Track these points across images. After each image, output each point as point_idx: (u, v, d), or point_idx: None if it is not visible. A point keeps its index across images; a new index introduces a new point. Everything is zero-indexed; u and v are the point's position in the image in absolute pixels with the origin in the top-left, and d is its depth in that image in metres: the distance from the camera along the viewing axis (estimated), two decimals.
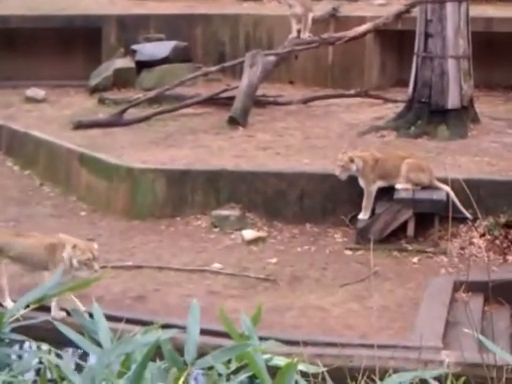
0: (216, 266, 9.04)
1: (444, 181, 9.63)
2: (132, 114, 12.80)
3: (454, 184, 9.58)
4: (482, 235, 9.47)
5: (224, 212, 10.08)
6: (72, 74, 14.96)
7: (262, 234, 9.84)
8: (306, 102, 13.54)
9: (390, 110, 12.49)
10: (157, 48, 14.98)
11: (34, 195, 11.21)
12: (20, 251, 8.01)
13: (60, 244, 7.84)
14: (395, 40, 14.63)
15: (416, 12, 12.62)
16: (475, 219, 9.52)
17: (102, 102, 13.72)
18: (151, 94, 13.34)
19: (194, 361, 2.62)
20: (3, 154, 12.71)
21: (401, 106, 12.19)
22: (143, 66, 14.76)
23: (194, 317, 2.72)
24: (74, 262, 7.63)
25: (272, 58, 13.23)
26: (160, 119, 12.75)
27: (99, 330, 2.67)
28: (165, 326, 2.92)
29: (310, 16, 13.66)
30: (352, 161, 9.54)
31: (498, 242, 9.40)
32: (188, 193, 10.33)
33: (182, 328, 2.77)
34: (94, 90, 14.36)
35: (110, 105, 13.46)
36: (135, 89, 14.41)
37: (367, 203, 9.68)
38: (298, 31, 13.60)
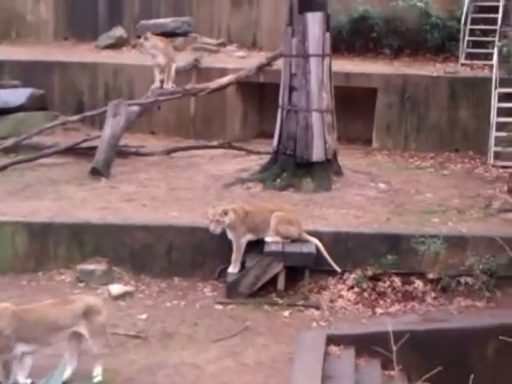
0: None
1: (312, 234, 9.68)
2: None
3: (323, 237, 9.70)
4: (351, 288, 9.54)
5: (89, 266, 9.73)
6: None
7: (129, 288, 9.54)
8: (168, 152, 13.40)
9: (254, 162, 12.49)
10: (12, 95, 14.50)
11: None
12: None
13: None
14: (257, 92, 14.77)
15: (278, 65, 12.79)
16: (343, 272, 9.60)
17: None
18: (8, 142, 12.86)
19: None
20: None
21: (264, 158, 12.22)
22: None
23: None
24: None
25: (135, 108, 13.03)
26: (17, 169, 12.28)
27: None
28: None
29: (173, 66, 13.62)
30: (226, 213, 9.39)
31: (366, 294, 9.48)
32: (51, 246, 9.92)
33: None
34: None
35: None
36: None
37: (237, 257, 9.56)
38: (161, 81, 13.50)
